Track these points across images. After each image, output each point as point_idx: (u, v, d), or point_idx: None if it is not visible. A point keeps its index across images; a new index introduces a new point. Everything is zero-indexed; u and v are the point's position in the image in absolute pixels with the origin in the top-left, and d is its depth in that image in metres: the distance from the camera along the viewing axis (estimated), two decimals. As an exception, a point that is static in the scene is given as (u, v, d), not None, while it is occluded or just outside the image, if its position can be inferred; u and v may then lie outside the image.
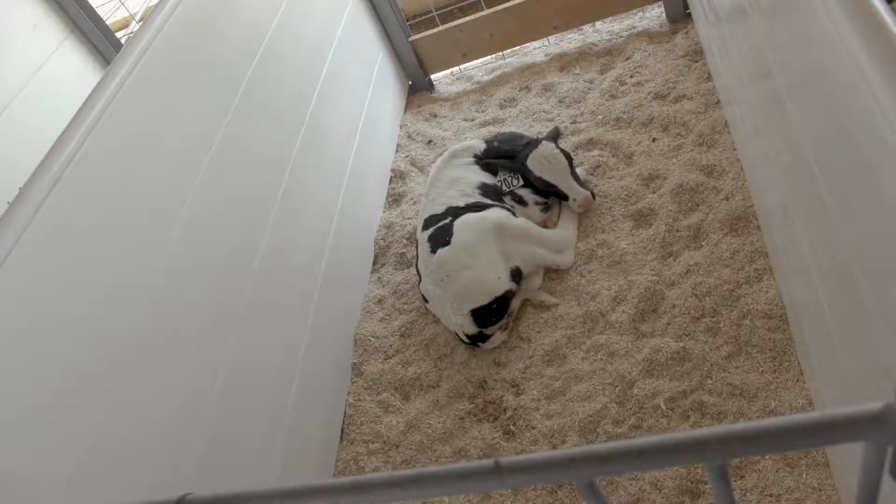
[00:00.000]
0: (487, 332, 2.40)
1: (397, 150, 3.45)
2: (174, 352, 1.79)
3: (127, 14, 4.75)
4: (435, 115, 3.61)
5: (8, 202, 1.56)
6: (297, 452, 2.17)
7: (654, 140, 2.87)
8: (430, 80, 3.82)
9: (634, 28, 3.55)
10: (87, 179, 1.68)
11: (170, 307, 1.82)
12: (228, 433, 1.90)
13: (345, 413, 2.47)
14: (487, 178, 2.73)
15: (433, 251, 2.46)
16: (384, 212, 3.15)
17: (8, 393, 1.33)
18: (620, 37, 3.54)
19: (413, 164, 3.34)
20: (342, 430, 2.44)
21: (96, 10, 3.87)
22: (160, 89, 2.03)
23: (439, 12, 3.78)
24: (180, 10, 2.18)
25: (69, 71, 3.74)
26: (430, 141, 3.42)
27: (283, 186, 2.43)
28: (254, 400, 2.06)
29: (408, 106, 3.76)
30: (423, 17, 3.83)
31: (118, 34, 4.06)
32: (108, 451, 1.49)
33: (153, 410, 1.67)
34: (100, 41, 3.81)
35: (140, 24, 4.92)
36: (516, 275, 2.45)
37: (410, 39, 3.68)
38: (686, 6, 3.35)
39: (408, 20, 3.74)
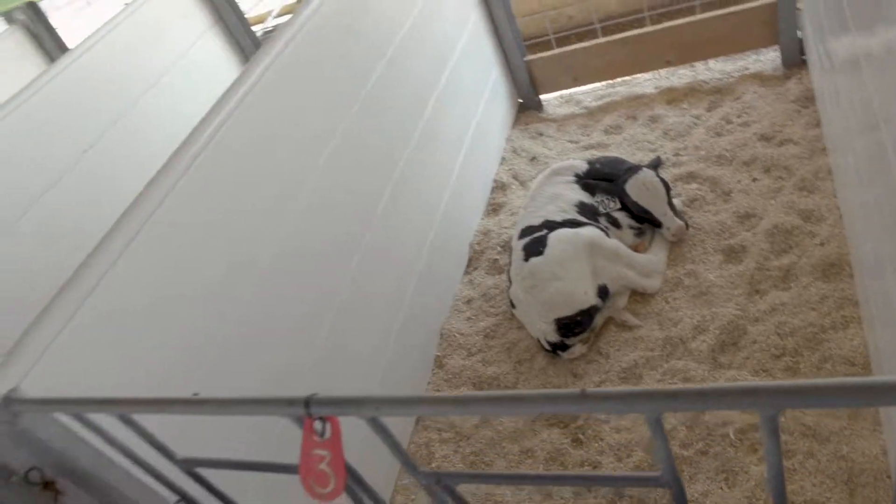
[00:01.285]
0: (569, 342, 2.51)
1: (501, 163, 3.61)
2: (279, 322, 1.99)
3: (264, 11, 5.13)
4: (541, 134, 3.75)
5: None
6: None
7: (754, 180, 2.92)
8: (539, 100, 3.96)
9: (747, 69, 3.59)
10: (220, 162, 1.87)
11: (278, 285, 2.01)
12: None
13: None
14: (586, 198, 2.85)
15: (526, 259, 2.59)
16: (482, 219, 3.30)
17: (155, 341, 1.54)
18: (732, 77, 3.59)
19: (515, 178, 3.48)
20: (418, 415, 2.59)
21: (238, 4, 4.21)
22: (296, 82, 2.24)
23: (556, 36, 3.92)
24: (322, 10, 2.40)
25: (209, 59, 4.08)
26: (533, 157, 3.56)
27: (394, 182, 2.62)
28: (343, 375, 2.24)
29: (516, 122, 3.91)
30: (539, 40, 3.97)
31: (254, 28, 4.39)
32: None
33: (249, 378, 1.86)
34: (239, 33, 4.13)
35: (276, 19, 5.29)
36: (603, 292, 2.55)
37: (525, 59, 3.84)
38: (802, 52, 3.38)
39: (525, 41, 3.89)
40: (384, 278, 2.51)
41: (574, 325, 2.49)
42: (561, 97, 4.03)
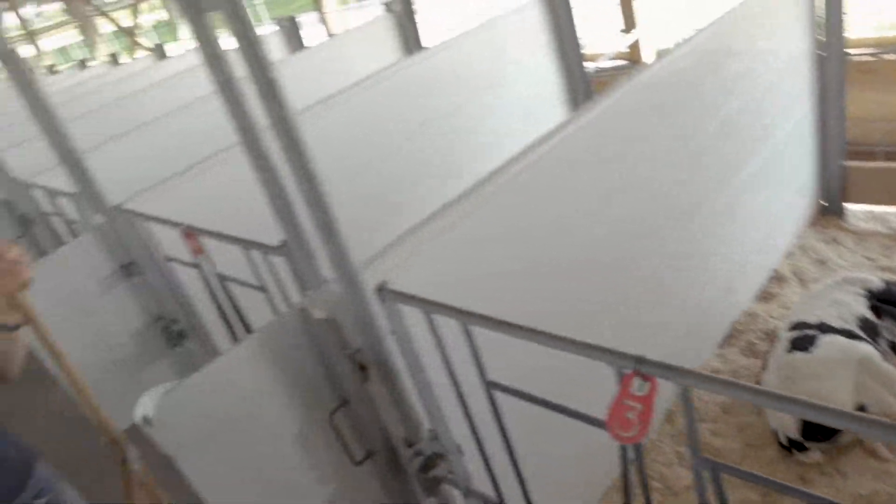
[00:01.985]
0: (808, 445, 2.46)
1: (787, 257, 3.56)
2: (564, 311, 2.21)
3: (598, 52, 5.51)
4: (836, 241, 3.63)
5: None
6: (588, 457, 2.46)
7: None
8: (844, 207, 3.83)
9: None
10: (559, 170, 2.17)
11: (570, 279, 2.23)
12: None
13: (642, 444, 2.71)
14: (870, 316, 2.75)
15: (791, 351, 2.58)
16: (752, 303, 3.30)
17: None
18: None
19: (796, 275, 3.43)
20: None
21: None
22: (632, 121, 2.47)
23: (885, 149, 3.78)
24: (677, 61, 2.62)
25: (538, 80, 4.46)
26: (822, 261, 3.48)
27: (686, 237, 2.75)
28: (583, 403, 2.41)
29: (812, 222, 3.82)
30: (862, 147, 3.84)
31: (586, 64, 4.70)
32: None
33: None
34: (572, 65, 4.48)
35: (609, 61, 5.62)
36: (860, 411, 2.47)
37: (843, 164, 3.74)
38: None
39: (847, 145, 3.79)
40: (644, 313, 2.64)
41: (820, 431, 2.44)
42: (869, 212, 3.86)
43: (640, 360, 1.01)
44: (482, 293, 1.83)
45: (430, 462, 1.76)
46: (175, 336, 2.89)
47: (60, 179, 3.40)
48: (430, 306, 1.36)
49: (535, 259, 2.07)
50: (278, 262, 1.86)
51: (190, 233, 2.10)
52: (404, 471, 1.80)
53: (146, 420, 2.64)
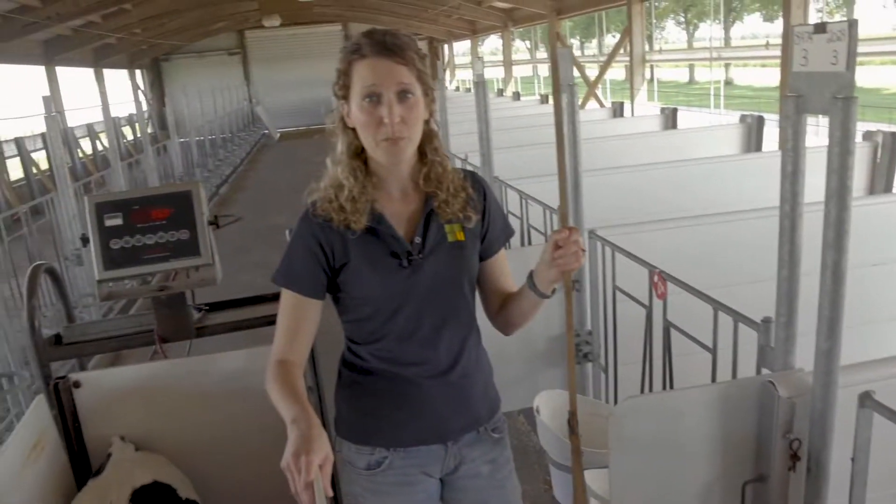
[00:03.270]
0: None
1: None
2: None
3: None
4: None
5: None
6: None
7: None
8: None
9: None
10: None
11: None
12: None
13: None
14: None
15: None
16: None
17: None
18: None
19: None
20: None
21: None
22: None
23: None
24: None
25: None
26: None
27: None
28: None
29: None
30: None
31: None
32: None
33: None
34: None
35: None
36: None
37: None
38: None
39: None
40: None
41: None
42: None
43: None
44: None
45: (811, 575, 1.78)
46: (581, 355, 3.23)
47: (533, 188, 4.02)
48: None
49: None
50: (744, 332, 2.02)
51: (661, 277, 2.36)
52: (781, 569, 1.84)
53: (537, 410, 3.01)
